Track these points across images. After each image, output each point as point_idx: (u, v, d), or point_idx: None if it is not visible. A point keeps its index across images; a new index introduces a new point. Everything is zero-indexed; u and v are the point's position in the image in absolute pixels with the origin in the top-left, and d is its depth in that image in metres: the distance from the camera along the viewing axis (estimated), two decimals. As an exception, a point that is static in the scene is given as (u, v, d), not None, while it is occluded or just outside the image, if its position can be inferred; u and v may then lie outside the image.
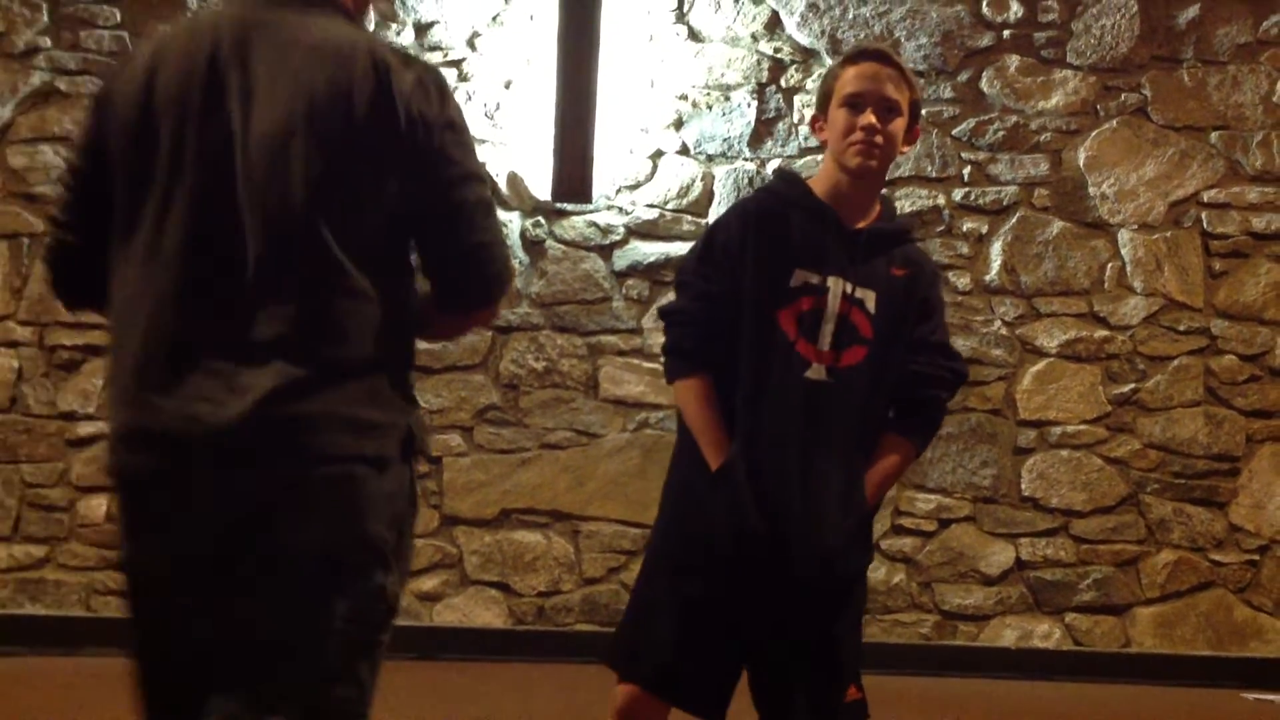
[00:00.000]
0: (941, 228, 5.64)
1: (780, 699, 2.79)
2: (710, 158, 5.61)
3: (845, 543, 2.73)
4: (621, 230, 5.58)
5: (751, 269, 2.75)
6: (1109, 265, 5.64)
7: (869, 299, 2.75)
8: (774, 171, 3.08)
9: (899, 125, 2.78)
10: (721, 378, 2.75)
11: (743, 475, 2.69)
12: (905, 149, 2.85)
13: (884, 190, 2.95)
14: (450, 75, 5.59)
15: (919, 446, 2.88)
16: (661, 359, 2.92)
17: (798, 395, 2.70)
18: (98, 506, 5.46)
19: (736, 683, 2.81)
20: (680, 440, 2.85)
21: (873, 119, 2.73)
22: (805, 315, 2.71)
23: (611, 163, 5.51)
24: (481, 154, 5.46)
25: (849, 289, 2.73)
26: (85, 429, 5.47)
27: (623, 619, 2.95)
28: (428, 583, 5.53)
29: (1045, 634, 5.57)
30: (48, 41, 5.53)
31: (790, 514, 2.69)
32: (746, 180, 5.58)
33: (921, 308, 2.82)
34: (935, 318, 2.86)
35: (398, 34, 5.58)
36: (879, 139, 2.74)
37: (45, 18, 5.53)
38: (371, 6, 2.28)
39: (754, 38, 5.66)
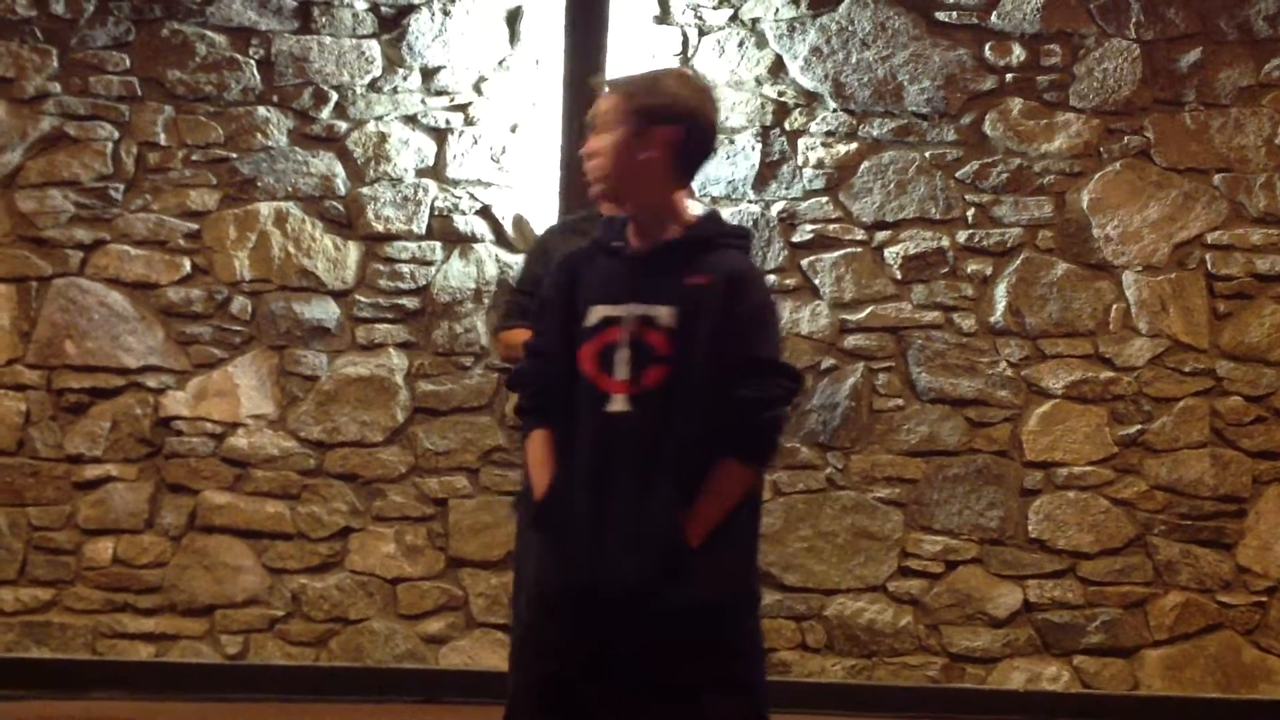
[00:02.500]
0: (946, 269, 5.66)
1: None
2: (715, 200, 5.63)
3: (639, 574, 2.58)
4: (627, 273, 5.59)
5: (561, 319, 2.76)
6: (1114, 307, 5.65)
7: (663, 315, 2.64)
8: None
9: (611, 137, 2.70)
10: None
11: (549, 518, 2.69)
12: (649, 155, 2.69)
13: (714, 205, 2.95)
14: (457, 119, 5.63)
15: (753, 466, 2.68)
16: None
17: (598, 431, 2.64)
18: (104, 549, 5.47)
19: None
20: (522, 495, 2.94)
21: (587, 145, 2.77)
22: (604, 349, 2.66)
23: (617, 205, 5.53)
24: (488, 196, 5.52)
25: (642, 311, 2.65)
26: (92, 472, 5.48)
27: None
28: (433, 625, 5.51)
29: (1054, 676, 5.55)
30: (57, 87, 5.57)
31: (583, 551, 2.62)
32: (751, 222, 5.60)
33: (731, 318, 2.64)
34: (753, 331, 2.67)
35: (404, 78, 5.63)
36: (593, 160, 2.74)
37: (55, 63, 5.58)
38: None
39: (758, 81, 5.69)
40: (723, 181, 5.64)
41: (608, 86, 2.78)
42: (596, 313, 2.69)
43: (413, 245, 5.61)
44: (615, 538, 2.60)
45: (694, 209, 2.80)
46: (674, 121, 2.71)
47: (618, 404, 2.64)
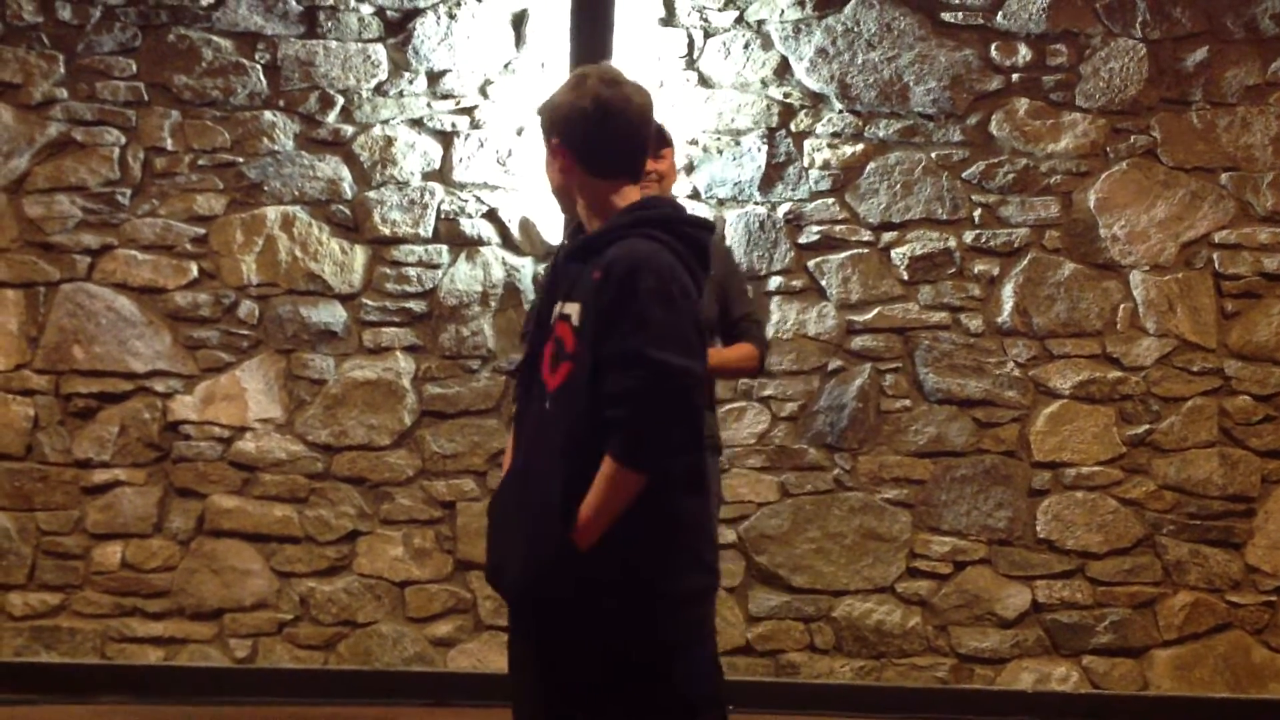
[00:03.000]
0: (953, 270, 5.65)
1: None
2: (721, 202, 5.64)
3: (521, 566, 2.66)
4: (634, 275, 5.59)
5: (534, 318, 2.89)
6: (1121, 306, 5.64)
7: (573, 313, 2.66)
8: None
9: (546, 148, 2.84)
10: None
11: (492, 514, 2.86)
12: (560, 166, 2.81)
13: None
14: (463, 122, 5.64)
15: (630, 468, 2.59)
16: None
17: (529, 426, 2.77)
18: (112, 554, 5.48)
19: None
20: None
21: None
22: (551, 346, 2.74)
23: (623, 208, 5.54)
24: (494, 199, 5.52)
25: (559, 309, 2.72)
26: (100, 476, 5.49)
27: None
28: (442, 628, 5.52)
29: (1063, 677, 5.54)
30: (64, 93, 5.59)
31: (492, 544, 2.85)
32: (757, 224, 5.60)
33: (607, 310, 2.61)
34: (622, 321, 2.60)
35: (410, 82, 5.63)
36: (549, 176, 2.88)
37: (61, 69, 5.59)
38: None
39: (763, 83, 5.69)
40: (729, 183, 5.64)
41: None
42: (556, 310, 2.76)
43: (419, 249, 5.61)
44: (504, 534, 2.76)
45: (627, 201, 2.78)
46: (562, 127, 2.79)
47: (547, 401, 2.70)
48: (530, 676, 2.72)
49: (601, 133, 2.75)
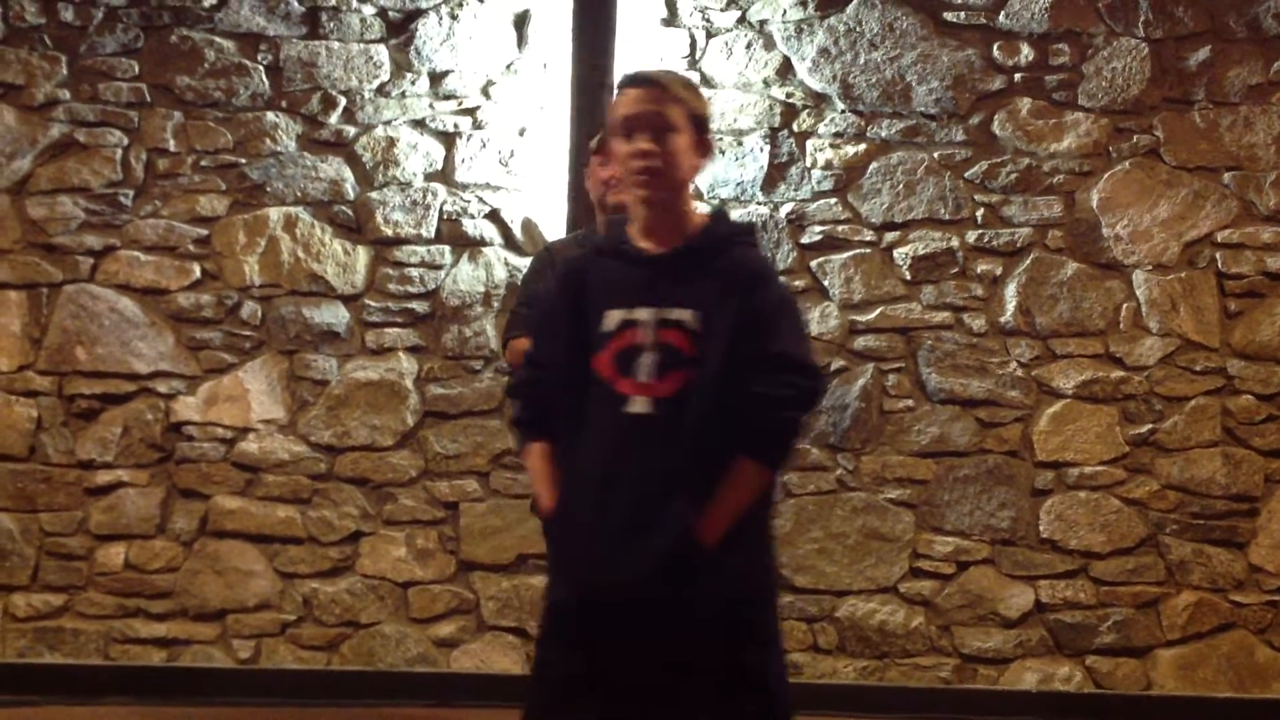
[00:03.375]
0: (955, 270, 5.65)
1: None
2: (724, 202, 5.63)
3: (662, 578, 2.57)
4: (636, 275, 5.59)
5: (569, 327, 2.73)
6: (1124, 306, 5.64)
7: (688, 318, 2.64)
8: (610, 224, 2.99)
9: (680, 142, 2.69)
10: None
11: (562, 527, 2.67)
12: (701, 161, 2.75)
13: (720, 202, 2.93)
14: (465, 123, 5.64)
15: (768, 468, 2.68)
16: None
17: (619, 433, 2.63)
18: (116, 555, 5.48)
19: None
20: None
21: (644, 144, 2.67)
22: (623, 353, 2.64)
23: (626, 208, 5.54)
24: (496, 199, 5.52)
25: (664, 314, 2.64)
26: (103, 477, 5.49)
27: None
28: (444, 629, 5.52)
29: (1066, 677, 5.53)
30: (67, 94, 5.59)
31: (598, 558, 2.61)
32: (760, 224, 5.60)
33: (748, 316, 2.64)
34: (770, 327, 2.66)
35: (413, 83, 5.63)
36: (655, 162, 2.66)
37: (64, 70, 5.59)
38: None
39: (766, 83, 5.69)
40: (731, 183, 5.64)
41: (653, 84, 2.73)
42: (613, 317, 2.67)
43: (422, 249, 5.61)
44: (633, 543, 2.59)
45: (701, 209, 2.81)
46: (711, 130, 2.79)
47: (638, 405, 2.63)
48: (604, 685, 2.64)
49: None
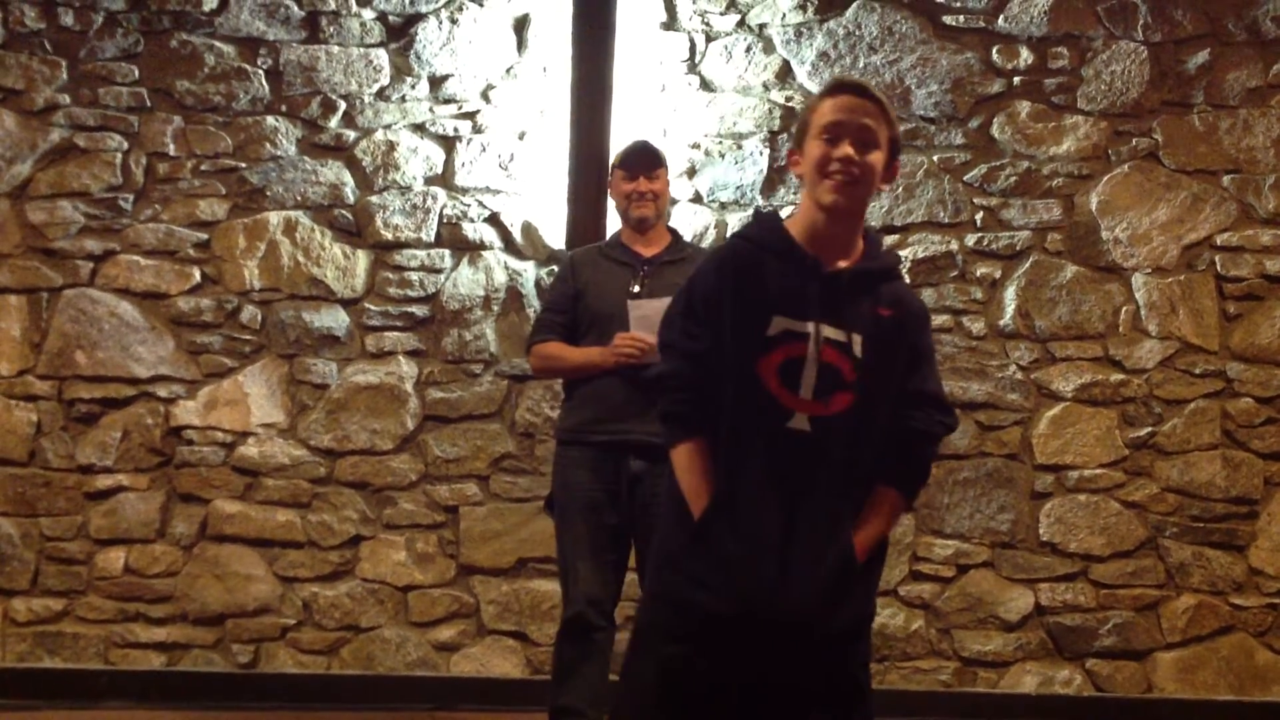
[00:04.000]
0: (955, 273, 5.66)
1: None
2: (723, 205, 5.64)
3: (822, 598, 2.58)
4: (636, 279, 5.59)
5: (730, 320, 2.65)
6: (1123, 309, 5.64)
7: (855, 343, 2.62)
8: (753, 214, 2.95)
9: (877, 159, 2.67)
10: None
11: (717, 535, 2.60)
12: (884, 186, 2.74)
13: (872, 227, 2.88)
14: (465, 127, 5.64)
15: (910, 500, 2.78)
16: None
17: (778, 447, 2.60)
18: (116, 559, 5.48)
19: None
20: (666, 505, 2.77)
21: (849, 150, 2.64)
22: (786, 364, 2.60)
23: (625, 212, 5.54)
24: (496, 203, 5.52)
25: (832, 334, 2.62)
26: (103, 482, 5.49)
27: (616, 699, 2.84)
28: (445, 632, 5.52)
29: (1066, 680, 5.54)
30: (66, 98, 5.59)
31: (759, 572, 2.57)
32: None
33: (910, 353, 2.69)
34: (925, 365, 2.72)
35: (412, 87, 5.64)
36: (855, 170, 2.63)
37: (64, 75, 5.59)
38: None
39: (765, 87, 5.70)
40: (731, 186, 5.64)
41: (871, 98, 2.70)
42: (778, 324, 2.62)
43: (422, 253, 5.62)
44: (793, 560, 2.58)
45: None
46: (900, 157, 2.79)
47: (799, 422, 2.60)
48: (736, 696, 2.63)
49: None
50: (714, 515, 2.62)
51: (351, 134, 5.64)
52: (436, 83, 5.66)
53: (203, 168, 5.61)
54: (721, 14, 5.70)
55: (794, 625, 2.58)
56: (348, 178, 5.63)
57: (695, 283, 2.75)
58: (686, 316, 2.73)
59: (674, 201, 5.58)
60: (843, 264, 2.68)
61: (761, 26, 5.71)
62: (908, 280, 5.57)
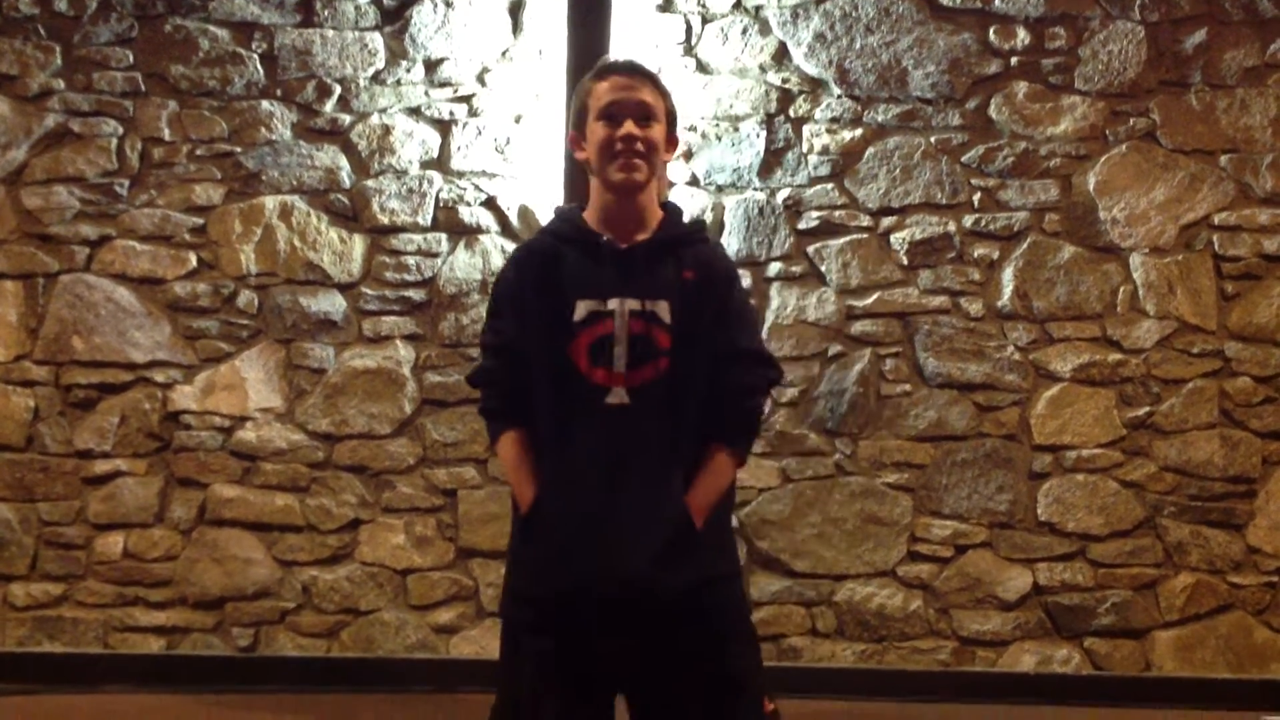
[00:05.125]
0: (952, 254, 5.65)
1: None
2: (720, 188, 5.63)
3: (656, 564, 2.62)
4: (633, 261, 5.59)
5: (535, 311, 2.73)
6: (1121, 289, 5.64)
7: (661, 309, 2.69)
8: (553, 211, 3.00)
9: (659, 132, 2.76)
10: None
11: (547, 523, 2.66)
12: (667, 156, 2.81)
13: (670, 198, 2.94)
14: (461, 110, 5.63)
15: (742, 456, 2.81)
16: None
17: (598, 424, 2.66)
18: (114, 544, 5.48)
19: None
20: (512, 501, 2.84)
21: (632, 128, 2.71)
22: (595, 343, 2.67)
23: (622, 194, 5.53)
24: (493, 187, 5.51)
25: (636, 305, 2.69)
26: (101, 467, 5.50)
27: (496, 699, 2.90)
28: (444, 615, 5.52)
29: (1064, 659, 5.55)
30: (61, 84, 5.58)
31: (591, 550, 2.62)
32: (756, 210, 5.60)
33: (719, 311, 2.74)
34: (737, 322, 2.78)
35: (408, 70, 5.63)
36: (640, 146, 2.71)
37: (58, 60, 5.58)
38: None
39: (762, 69, 5.69)
40: (728, 169, 5.64)
41: (640, 74, 2.78)
42: (583, 307, 2.70)
43: (418, 237, 5.61)
44: (625, 530, 2.62)
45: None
46: (677, 127, 2.89)
47: (617, 396, 2.67)
48: (591, 676, 2.67)
49: None
50: (542, 504, 2.69)
51: (347, 118, 5.63)
52: (431, 66, 5.65)
53: (198, 152, 5.60)
54: (717, -5, 5.69)
55: (634, 595, 2.62)
56: (343, 162, 5.63)
57: (498, 284, 2.86)
58: (493, 315, 2.84)
59: (671, 184, 5.57)
60: (641, 237, 2.76)
61: (758, 8, 5.69)
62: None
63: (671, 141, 2.82)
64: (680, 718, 2.69)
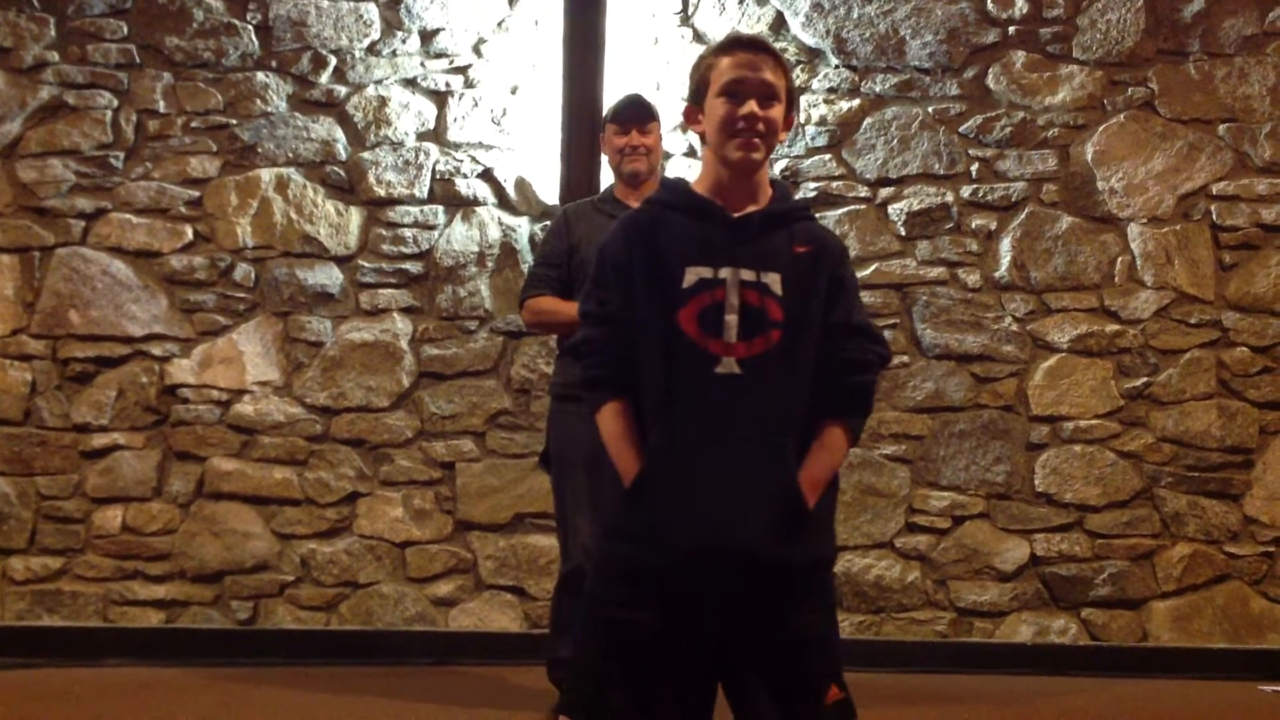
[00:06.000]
0: (950, 225, 5.64)
1: (754, 711, 2.64)
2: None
3: (772, 538, 2.58)
4: (630, 233, 5.57)
5: (642, 279, 2.69)
6: (1119, 259, 5.63)
7: (774, 281, 2.66)
8: (659, 181, 2.98)
9: (778, 112, 2.72)
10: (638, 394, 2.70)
11: (657, 492, 2.61)
12: (783, 136, 2.78)
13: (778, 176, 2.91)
14: (457, 81, 5.61)
15: (855, 433, 2.76)
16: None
17: (709, 393, 2.62)
18: (113, 518, 5.49)
19: (712, 704, 2.68)
20: (608, 480, 2.76)
21: (755, 108, 2.68)
22: (706, 311, 2.63)
23: (619, 166, 5.52)
24: (489, 158, 5.49)
25: (749, 275, 2.66)
26: (99, 441, 5.50)
27: (573, 666, 2.81)
28: (443, 588, 5.54)
29: (1061, 629, 5.56)
30: (55, 56, 5.56)
31: (707, 519, 2.58)
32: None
33: (832, 286, 2.72)
34: (849, 298, 2.75)
35: (403, 41, 5.60)
36: (761, 126, 2.68)
37: (52, 32, 5.56)
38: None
39: (759, 38, 5.65)
40: (725, 140, 5.61)
41: (768, 52, 2.75)
42: (692, 274, 2.66)
43: (415, 209, 5.60)
44: (742, 500, 2.58)
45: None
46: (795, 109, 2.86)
47: (728, 366, 2.63)
48: (697, 646, 2.63)
49: None
50: (649, 474, 2.63)
51: (342, 89, 5.61)
52: (427, 37, 5.63)
53: (193, 125, 5.58)
54: (714, -35, 5.66)
55: (749, 563, 2.58)
56: (339, 134, 5.61)
57: (605, 251, 2.79)
58: (598, 284, 2.78)
59: (667, 155, 5.56)
60: (752, 209, 2.74)
61: (754, -23, 5.67)
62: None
63: (788, 121, 2.78)
64: (784, 699, 2.65)
